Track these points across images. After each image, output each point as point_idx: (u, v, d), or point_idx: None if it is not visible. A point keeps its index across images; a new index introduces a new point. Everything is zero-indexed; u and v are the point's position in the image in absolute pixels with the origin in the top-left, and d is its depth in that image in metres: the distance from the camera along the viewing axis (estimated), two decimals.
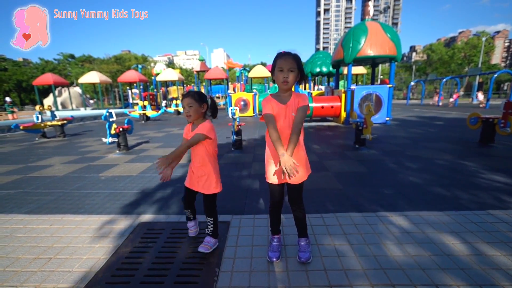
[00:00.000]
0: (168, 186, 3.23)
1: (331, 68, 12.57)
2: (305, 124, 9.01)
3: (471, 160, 4.06)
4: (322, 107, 8.76)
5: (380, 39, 7.62)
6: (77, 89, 27.82)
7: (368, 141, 5.03)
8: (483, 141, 5.12)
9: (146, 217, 2.45)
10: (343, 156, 4.53)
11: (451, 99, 19.53)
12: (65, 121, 7.55)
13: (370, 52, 7.59)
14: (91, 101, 32.15)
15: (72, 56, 52.49)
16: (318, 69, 12.54)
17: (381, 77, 42.79)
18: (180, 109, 15.80)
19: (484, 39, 34.04)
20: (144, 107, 12.38)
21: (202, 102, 1.80)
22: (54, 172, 3.99)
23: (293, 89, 1.70)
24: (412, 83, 24.86)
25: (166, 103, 23.92)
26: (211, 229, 1.95)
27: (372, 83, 9.79)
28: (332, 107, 8.72)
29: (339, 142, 5.75)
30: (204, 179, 1.89)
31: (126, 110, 12.76)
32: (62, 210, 2.64)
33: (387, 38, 7.63)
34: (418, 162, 4.03)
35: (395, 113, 12.12)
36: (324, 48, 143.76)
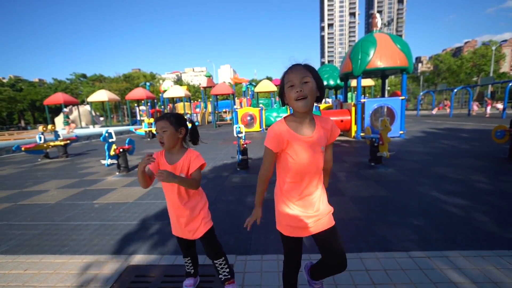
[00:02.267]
0: (164, 217, 2.89)
1: (338, 81, 12.34)
2: None
3: (506, 180, 3.59)
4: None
5: (390, 50, 7.35)
6: (87, 107, 28.43)
7: (385, 158, 4.62)
8: None
9: (137, 258, 2.10)
10: (358, 176, 4.13)
11: (475, 108, 18.83)
12: (68, 141, 7.43)
13: (380, 64, 7.30)
14: (101, 119, 32.83)
15: (84, 76, 54.47)
16: (325, 82, 12.30)
17: (388, 88, 42.34)
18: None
19: (494, 48, 33.51)
20: (150, 124, 12.31)
21: (180, 126, 1.45)
22: (47, 199, 3.72)
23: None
24: (421, 94, 24.32)
25: None
26: (226, 272, 1.59)
27: (383, 95, 9.44)
28: (341, 121, 8.37)
29: (352, 160, 5.34)
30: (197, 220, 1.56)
31: (132, 128, 12.74)
32: (43, 248, 2.32)
33: (397, 49, 7.36)
34: (445, 183, 3.58)
35: (408, 126, 11.61)
36: (329, 61, 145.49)
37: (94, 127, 22.82)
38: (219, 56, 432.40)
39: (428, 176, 3.91)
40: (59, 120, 27.66)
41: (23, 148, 6.51)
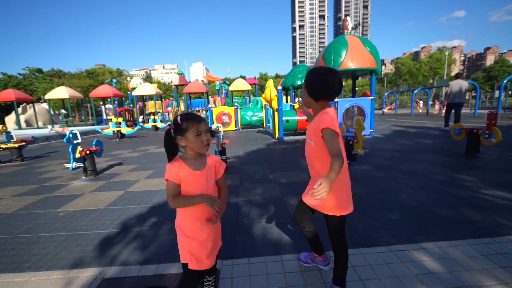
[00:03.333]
0: (141, 223, 2.70)
1: None
2: (290, 138, 8.87)
3: (466, 173, 3.95)
4: (307, 120, 8.59)
5: (361, 52, 7.72)
6: (45, 105, 25.89)
7: (359, 156, 4.83)
8: (469, 152, 5.13)
9: (113, 270, 1.92)
10: None
11: (436, 107, 21.67)
12: (23, 143, 6.67)
13: (351, 65, 7.63)
14: (62, 113, 30.08)
15: (40, 71, 49.55)
16: (299, 82, 12.57)
17: (356, 88, 44.72)
18: (159, 124, 15.06)
19: (447, 53, 37.05)
20: (119, 123, 11.57)
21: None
22: (0, 209, 3.29)
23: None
24: (386, 95, 26.08)
25: (143, 118, 22.95)
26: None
27: (353, 95, 9.89)
28: None
29: None
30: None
31: (98, 128, 11.84)
32: None
33: (366, 51, 7.74)
34: (415, 178, 3.84)
35: (376, 124, 12.33)
36: (300, 61, 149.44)
37: (53, 127, 20.83)
38: (191, 54, 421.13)
39: (399, 171, 4.17)
40: (10, 119, 24.83)
41: None
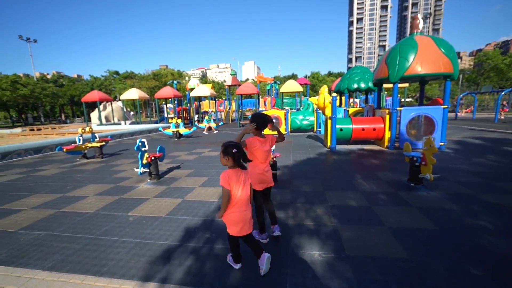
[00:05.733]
0: (196, 236, 2.87)
1: (370, 84, 11.70)
2: (343, 148, 8.29)
3: None
4: (363, 129, 7.98)
5: (433, 55, 6.76)
6: (119, 103, 30.00)
7: (427, 179, 4.24)
8: None
9: None
10: (397, 199, 3.83)
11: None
12: (103, 143, 7.82)
13: (421, 70, 6.74)
14: (131, 113, 34.54)
15: (117, 73, 57.60)
16: (355, 85, 11.74)
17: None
18: (212, 125, 15.95)
19: None
20: (178, 125, 12.64)
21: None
22: (86, 207, 3.91)
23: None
24: (461, 96, 22.35)
25: (198, 117, 24.62)
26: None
27: (421, 103, 8.76)
28: (374, 129, 7.91)
29: (388, 177, 5.00)
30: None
31: (160, 127, 13.17)
32: (85, 267, 2.41)
33: (440, 53, 6.74)
34: (503, 216, 3.18)
35: (447, 132, 10.74)
36: (357, 57, 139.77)
37: (125, 123, 24.05)
38: (243, 53, 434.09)
39: (481, 205, 3.51)
40: (94, 115, 29.57)
41: (64, 150, 6.97)
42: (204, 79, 72.13)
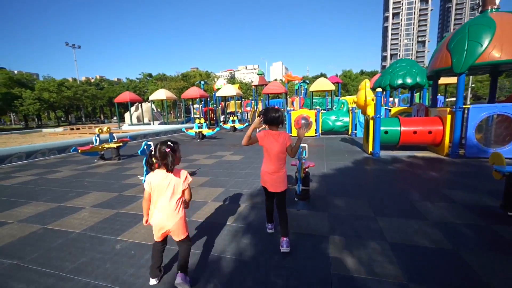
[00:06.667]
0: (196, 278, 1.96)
1: (418, 79, 9.99)
2: (389, 154, 6.89)
3: None
4: (415, 131, 6.53)
5: None
6: (149, 104, 30.89)
7: None
8: None
9: None
10: (496, 239, 2.56)
11: None
12: (121, 144, 7.39)
13: (500, 55, 5.19)
14: (163, 114, 35.43)
15: (150, 75, 60.29)
16: (400, 81, 10.08)
17: (473, 85, 34.86)
18: (237, 125, 15.24)
19: None
20: (201, 125, 12.09)
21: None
22: (74, 224, 3.23)
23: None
24: None
25: (224, 117, 24.23)
26: None
27: (492, 99, 7.01)
28: (429, 132, 6.42)
29: (463, 197, 3.67)
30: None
31: (183, 128, 12.74)
32: None
33: None
34: None
35: None
36: (392, 55, 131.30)
37: (153, 123, 24.48)
38: (271, 53, 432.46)
39: None
40: (127, 116, 30.71)
41: (79, 150, 6.61)
42: (232, 80, 72.54)
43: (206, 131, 11.86)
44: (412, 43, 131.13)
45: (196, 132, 11.88)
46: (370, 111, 6.57)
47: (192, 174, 5.49)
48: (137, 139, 12.43)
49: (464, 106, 5.80)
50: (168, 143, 1.93)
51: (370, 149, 6.75)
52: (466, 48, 5.51)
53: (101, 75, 75.00)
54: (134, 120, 27.08)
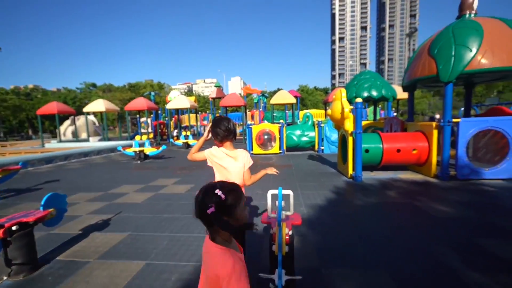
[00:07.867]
0: None
1: (383, 92, 9.54)
2: (370, 177, 5.34)
3: None
4: (398, 149, 5.54)
5: (506, 41, 4.57)
6: (92, 117, 26.51)
7: None
8: None
9: None
10: None
11: None
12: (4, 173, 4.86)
13: (492, 62, 4.49)
14: (101, 129, 30.83)
15: (94, 85, 53.88)
16: (366, 93, 9.53)
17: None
18: (191, 141, 13.16)
19: None
20: (142, 144, 9.78)
21: None
22: None
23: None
24: None
25: (177, 132, 21.74)
26: None
27: (467, 112, 6.53)
28: (414, 149, 5.49)
29: (503, 249, 2.45)
30: None
31: (119, 146, 10.20)
32: None
33: None
34: None
35: None
36: (340, 74, 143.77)
37: (90, 140, 20.61)
38: (229, 68, 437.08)
39: None
40: (63, 130, 25.56)
41: None
42: (189, 94, 69.37)
43: (149, 150, 9.59)
44: (356, 64, 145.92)
45: (136, 151, 9.52)
46: (349, 126, 5.40)
47: (98, 227, 3.43)
48: (54, 161, 9.44)
49: (453, 120, 4.98)
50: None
51: (350, 171, 5.53)
52: (453, 53, 4.75)
53: (36, 84, 64.31)
54: (69, 136, 22.68)
